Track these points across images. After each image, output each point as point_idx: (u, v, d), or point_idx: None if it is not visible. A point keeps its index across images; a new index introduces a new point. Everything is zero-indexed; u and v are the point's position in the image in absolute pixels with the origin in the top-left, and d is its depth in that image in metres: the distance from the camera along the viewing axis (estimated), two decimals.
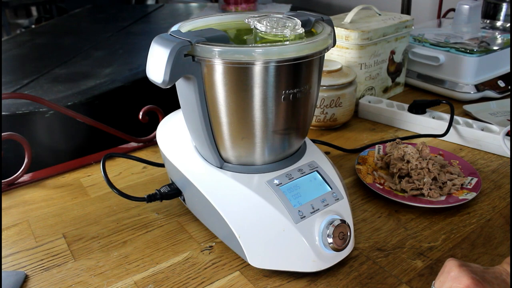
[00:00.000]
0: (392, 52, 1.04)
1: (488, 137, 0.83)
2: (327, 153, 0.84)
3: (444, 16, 1.55)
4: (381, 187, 0.71)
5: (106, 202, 0.72)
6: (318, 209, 0.55)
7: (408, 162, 0.73)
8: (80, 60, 1.46)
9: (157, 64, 0.47)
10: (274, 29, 0.53)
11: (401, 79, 1.12)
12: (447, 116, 0.90)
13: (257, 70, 0.49)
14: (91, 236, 0.64)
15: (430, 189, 0.69)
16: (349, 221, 0.56)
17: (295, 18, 0.55)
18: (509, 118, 0.95)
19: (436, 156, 0.77)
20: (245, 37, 0.57)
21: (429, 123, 0.91)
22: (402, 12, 1.63)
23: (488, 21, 1.30)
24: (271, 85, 0.50)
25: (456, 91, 1.07)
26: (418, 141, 0.88)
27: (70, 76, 1.31)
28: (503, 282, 0.43)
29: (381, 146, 0.82)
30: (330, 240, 0.53)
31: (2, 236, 0.64)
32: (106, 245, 0.62)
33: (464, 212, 0.67)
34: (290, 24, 0.54)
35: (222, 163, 0.58)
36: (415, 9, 1.71)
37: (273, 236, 0.54)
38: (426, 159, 0.73)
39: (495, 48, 1.08)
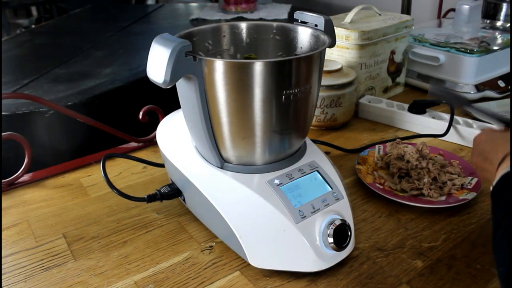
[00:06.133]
0: (392, 52, 1.04)
1: None
2: (327, 153, 0.84)
3: (444, 16, 1.55)
4: (381, 187, 0.71)
5: (106, 202, 0.72)
6: (319, 209, 0.55)
7: (408, 162, 0.73)
8: (80, 60, 1.46)
9: (158, 64, 0.47)
10: None
11: (401, 79, 1.12)
12: (447, 116, 0.90)
13: (258, 69, 0.49)
14: (91, 236, 0.64)
15: (430, 189, 0.69)
16: (350, 221, 0.56)
17: None
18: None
19: (436, 156, 0.77)
20: None
21: (429, 123, 0.91)
22: (402, 12, 1.63)
23: (488, 21, 1.30)
24: (272, 84, 0.50)
25: (456, 91, 1.07)
26: (418, 141, 0.87)
27: (70, 76, 1.31)
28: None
29: (381, 146, 0.82)
30: (331, 240, 0.53)
31: (2, 236, 0.64)
32: (106, 245, 0.62)
33: (464, 212, 0.67)
34: None
35: (222, 163, 0.58)
36: (415, 9, 1.70)
37: (273, 236, 0.54)
38: (426, 159, 0.73)
39: (495, 48, 1.08)
